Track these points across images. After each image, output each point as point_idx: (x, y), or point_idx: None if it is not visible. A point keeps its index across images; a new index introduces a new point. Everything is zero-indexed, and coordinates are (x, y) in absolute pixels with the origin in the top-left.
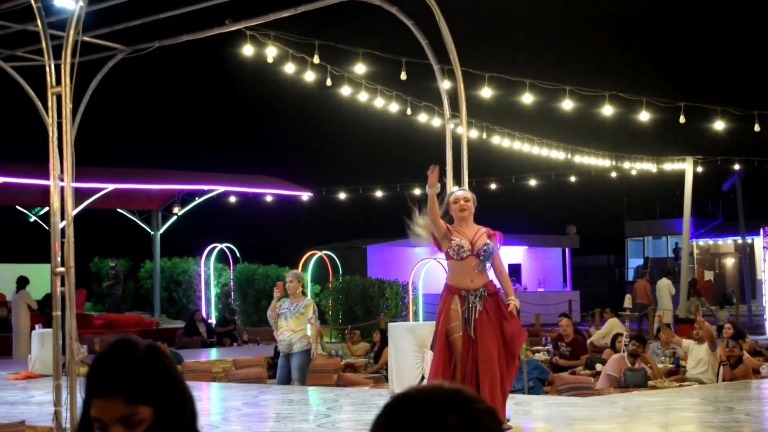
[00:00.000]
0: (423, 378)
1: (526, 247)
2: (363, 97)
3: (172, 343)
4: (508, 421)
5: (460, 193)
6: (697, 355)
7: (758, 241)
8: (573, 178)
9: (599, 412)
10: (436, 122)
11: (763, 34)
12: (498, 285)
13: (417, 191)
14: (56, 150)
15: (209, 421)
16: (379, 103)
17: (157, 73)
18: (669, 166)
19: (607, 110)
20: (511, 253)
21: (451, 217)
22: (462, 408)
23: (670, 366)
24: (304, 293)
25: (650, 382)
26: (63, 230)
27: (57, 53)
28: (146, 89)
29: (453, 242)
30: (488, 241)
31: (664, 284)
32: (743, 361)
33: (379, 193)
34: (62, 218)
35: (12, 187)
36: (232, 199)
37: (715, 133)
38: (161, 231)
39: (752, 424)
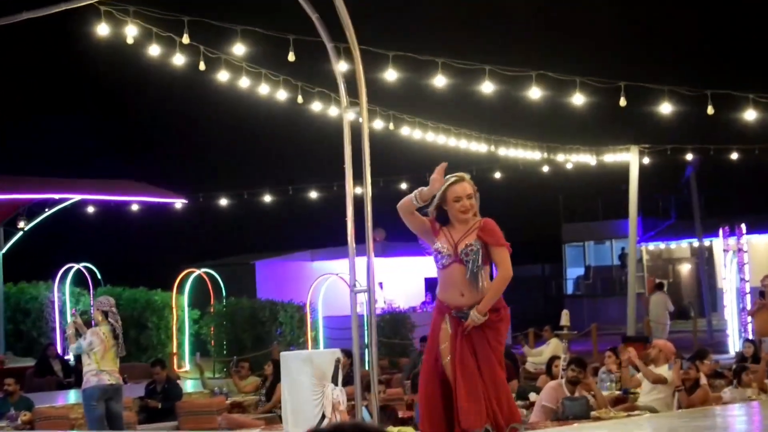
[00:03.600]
0: (323, 417)
1: None
2: (244, 82)
3: (21, 386)
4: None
5: (459, 187)
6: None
7: (717, 244)
8: (498, 174)
9: None
10: (333, 111)
11: (713, 1)
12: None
13: (313, 194)
14: None
15: None
16: (263, 89)
17: None
18: (611, 158)
19: (535, 93)
20: (429, 266)
21: (444, 213)
22: None
23: (618, 393)
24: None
25: (593, 413)
26: None
27: None
28: None
29: (433, 246)
30: (473, 240)
31: (660, 299)
32: (700, 384)
33: (267, 198)
34: None
35: None
36: (90, 209)
37: (662, 117)
38: (4, 250)
39: None
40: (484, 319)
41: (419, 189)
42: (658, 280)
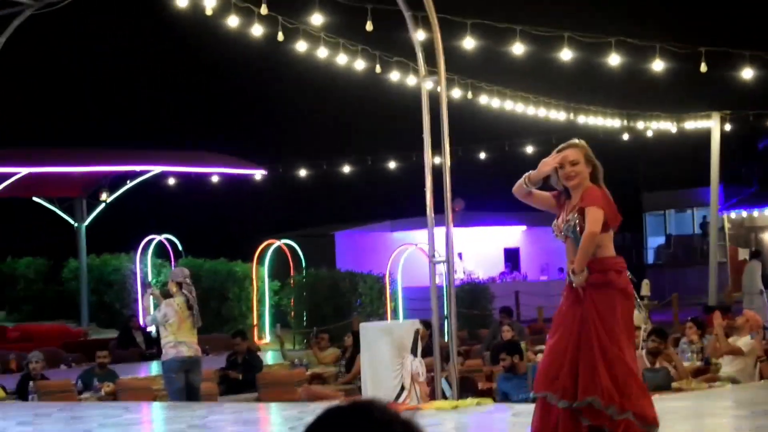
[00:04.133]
0: (402, 388)
1: (525, 228)
2: (322, 53)
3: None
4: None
5: (562, 154)
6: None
7: None
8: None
9: None
10: (411, 81)
11: None
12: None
13: (392, 165)
14: None
15: None
16: (341, 59)
17: (74, 32)
18: (691, 125)
19: (614, 60)
20: (508, 235)
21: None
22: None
23: (699, 364)
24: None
25: (674, 384)
26: None
27: None
28: (61, 52)
29: (553, 223)
30: (571, 215)
31: (755, 267)
32: None
33: (346, 169)
34: None
35: None
36: (171, 181)
37: (744, 83)
38: (87, 222)
39: None
40: (583, 278)
41: (528, 173)
42: (754, 248)
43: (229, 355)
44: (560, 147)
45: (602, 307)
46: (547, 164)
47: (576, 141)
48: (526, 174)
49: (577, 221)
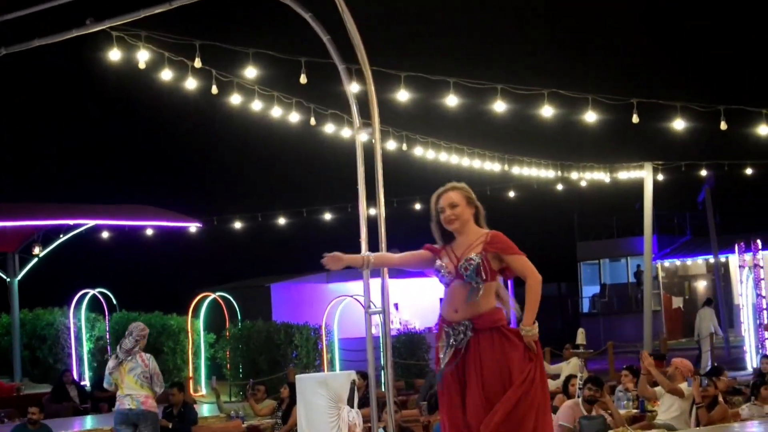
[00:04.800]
0: None
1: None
2: (257, 105)
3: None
4: None
5: (442, 198)
6: (671, 397)
7: (733, 260)
8: (512, 194)
9: None
10: (346, 133)
11: (725, 16)
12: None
13: (327, 216)
14: None
15: None
16: (276, 112)
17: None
18: (625, 175)
19: (547, 111)
20: (437, 286)
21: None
22: None
23: (635, 411)
24: None
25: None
26: None
27: None
28: None
29: (435, 265)
30: (475, 254)
31: (707, 314)
32: (718, 402)
33: (281, 220)
34: None
35: None
36: (105, 234)
37: (675, 133)
38: (19, 277)
39: None
40: (536, 331)
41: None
42: (708, 297)
43: (165, 407)
44: (439, 191)
45: (493, 358)
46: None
47: (455, 183)
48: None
49: (480, 262)
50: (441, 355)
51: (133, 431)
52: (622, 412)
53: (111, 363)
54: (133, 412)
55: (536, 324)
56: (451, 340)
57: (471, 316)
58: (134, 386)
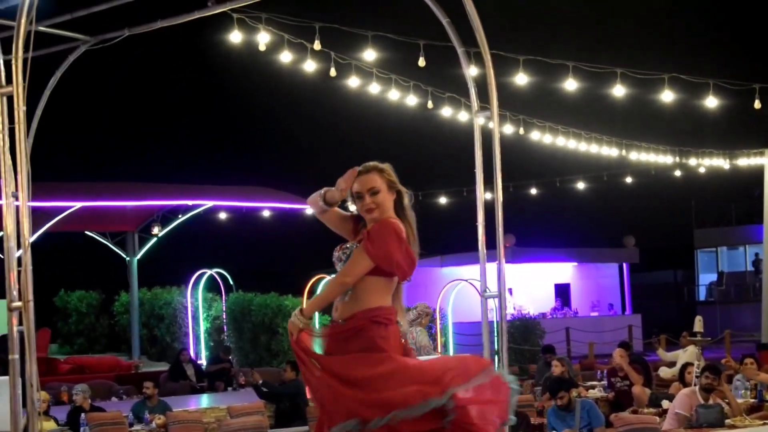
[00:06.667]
0: None
1: (576, 264)
2: (374, 88)
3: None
4: None
5: (361, 180)
6: None
7: None
8: (629, 179)
9: None
10: (463, 116)
11: None
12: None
13: (443, 199)
14: (8, 162)
15: None
16: (394, 95)
17: (128, 67)
18: (744, 162)
19: (667, 96)
20: (559, 271)
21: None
22: None
23: (752, 401)
24: None
25: (728, 421)
26: (19, 258)
27: (6, 47)
28: (116, 88)
29: (335, 254)
30: (355, 244)
31: None
32: None
33: None
34: (18, 244)
35: None
36: (222, 215)
37: None
38: (138, 256)
39: None
40: (305, 325)
41: (325, 189)
42: None
43: (279, 383)
44: (359, 170)
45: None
46: (347, 182)
47: (378, 164)
48: (324, 190)
49: (349, 252)
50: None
51: None
52: (739, 401)
53: None
54: None
55: (312, 318)
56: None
57: (348, 316)
58: None
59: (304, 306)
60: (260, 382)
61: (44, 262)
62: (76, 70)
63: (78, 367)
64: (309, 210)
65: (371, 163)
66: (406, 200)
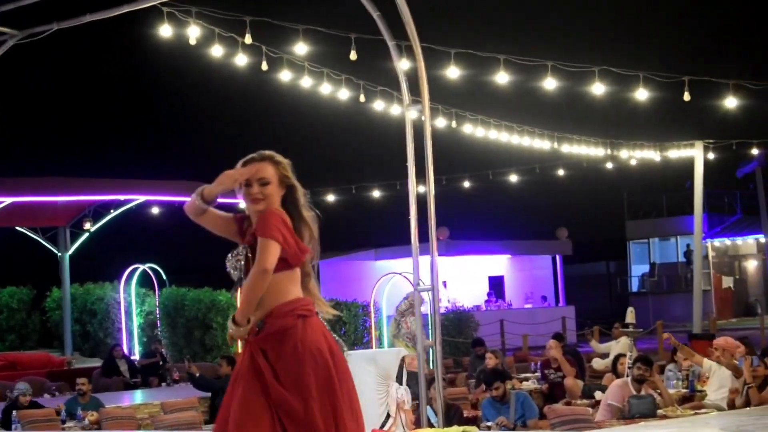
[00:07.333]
0: (388, 416)
1: (509, 256)
2: (306, 82)
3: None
4: None
5: (249, 169)
6: (719, 377)
7: None
8: (561, 172)
9: None
10: (396, 110)
11: None
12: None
13: (376, 193)
14: None
15: None
16: (326, 89)
17: (57, 61)
18: (675, 154)
19: (598, 89)
20: (492, 264)
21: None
22: None
23: (684, 391)
24: None
25: (660, 411)
26: None
27: None
28: (45, 81)
29: (230, 255)
30: (241, 246)
31: None
32: None
33: (330, 198)
34: None
35: None
36: (155, 210)
37: (727, 111)
38: (70, 252)
39: None
40: (245, 331)
41: (203, 187)
42: None
43: (215, 377)
44: (249, 157)
45: (284, 363)
46: (230, 177)
47: (273, 154)
48: (201, 188)
49: (250, 257)
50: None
51: None
52: (671, 391)
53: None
54: None
55: (251, 323)
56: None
57: (263, 316)
58: (400, 346)
59: (237, 314)
60: (197, 374)
61: None
62: (5, 64)
63: (10, 364)
64: (242, 205)
65: (267, 152)
66: (302, 199)
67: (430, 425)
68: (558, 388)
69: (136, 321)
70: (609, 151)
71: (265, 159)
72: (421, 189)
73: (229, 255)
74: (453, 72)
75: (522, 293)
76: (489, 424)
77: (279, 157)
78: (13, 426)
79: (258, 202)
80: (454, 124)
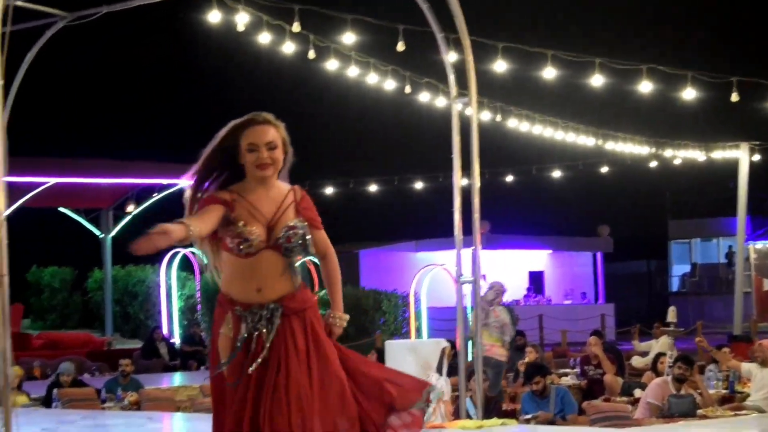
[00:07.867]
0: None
1: (550, 252)
2: (353, 72)
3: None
4: None
5: (255, 131)
6: (762, 379)
7: None
8: (605, 169)
9: None
10: (441, 102)
11: None
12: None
13: (419, 185)
14: None
15: None
16: (372, 79)
17: (106, 44)
18: (720, 154)
19: (645, 87)
20: (533, 259)
21: (230, 168)
22: None
23: (724, 392)
24: None
25: (700, 411)
26: None
27: None
28: (93, 64)
29: (237, 230)
30: (296, 221)
31: None
32: None
33: (373, 188)
34: None
35: None
36: None
37: None
38: (113, 234)
39: None
40: (345, 321)
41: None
42: None
43: None
44: (250, 121)
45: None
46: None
47: (271, 117)
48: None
49: (306, 236)
50: (222, 348)
51: None
52: (711, 392)
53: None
54: None
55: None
56: (249, 328)
57: (282, 295)
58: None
59: (339, 308)
60: None
61: (17, 238)
62: (54, 46)
63: (51, 343)
64: None
65: (265, 114)
66: (287, 164)
67: (469, 417)
68: (597, 384)
69: (176, 304)
70: (653, 150)
71: (269, 121)
72: (465, 182)
73: (243, 227)
74: (500, 66)
75: (562, 289)
76: (528, 417)
77: (276, 120)
78: (53, 404)
79: (266, 167)
80: (499, 118)
